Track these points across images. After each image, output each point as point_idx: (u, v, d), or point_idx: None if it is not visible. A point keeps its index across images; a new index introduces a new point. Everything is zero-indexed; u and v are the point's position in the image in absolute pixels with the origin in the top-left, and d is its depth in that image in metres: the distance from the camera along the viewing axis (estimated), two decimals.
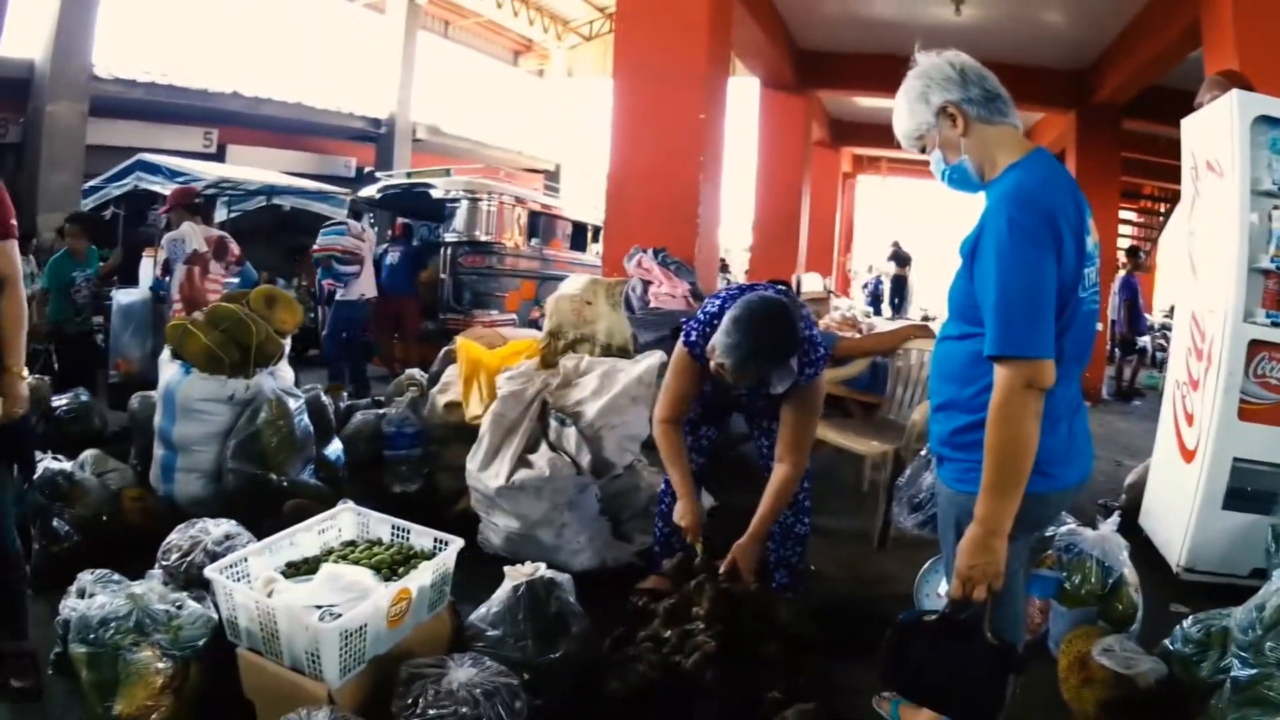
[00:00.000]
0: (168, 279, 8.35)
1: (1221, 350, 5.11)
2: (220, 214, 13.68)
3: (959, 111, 2.51)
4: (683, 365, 3.91)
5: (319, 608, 2.93)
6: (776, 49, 12.69)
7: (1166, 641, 3.75)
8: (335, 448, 5.66)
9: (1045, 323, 2.28)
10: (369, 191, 12.94)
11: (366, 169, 21.39)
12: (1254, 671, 3.20)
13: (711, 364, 3.57)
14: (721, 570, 3.75)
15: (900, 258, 26.09)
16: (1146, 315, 16.10)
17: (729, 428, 4.47)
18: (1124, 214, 18.55)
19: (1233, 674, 3.28)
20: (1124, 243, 17.06)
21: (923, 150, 2.67)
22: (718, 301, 3.85)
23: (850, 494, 6.60)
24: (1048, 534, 4.22)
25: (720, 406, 4.27)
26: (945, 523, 2.69)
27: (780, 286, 4.00)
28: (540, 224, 13.11)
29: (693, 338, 3.82)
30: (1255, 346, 5.08)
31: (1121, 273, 14.41)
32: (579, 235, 14.75)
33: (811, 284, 10.45)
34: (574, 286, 5.62)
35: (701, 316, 3.85)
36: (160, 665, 3.02)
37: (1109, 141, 14.01)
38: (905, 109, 2.63)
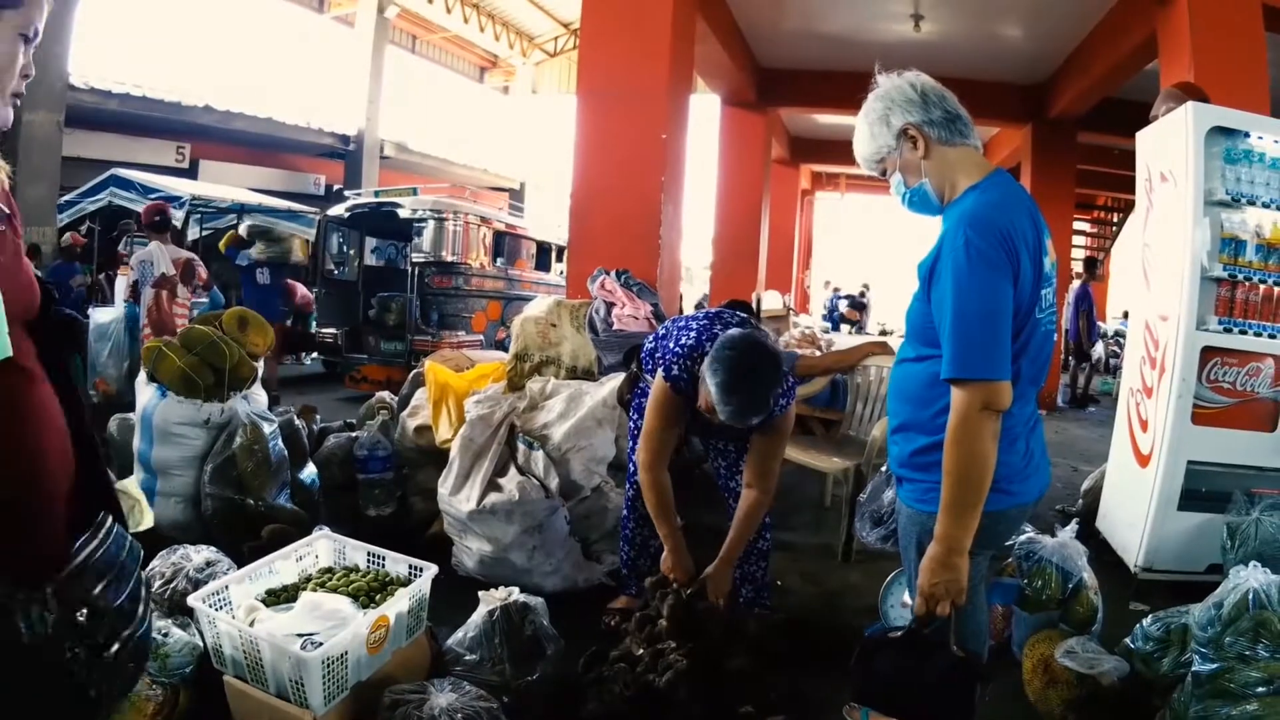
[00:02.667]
0: (136, 302, 8.31)
1: (1175, 357, 5.23)
2: (194, 231, 13.67)
3: (920, 134, 2.53)
4: (665, 400, 3.88)
5: (300, 636, 2.97)
6: (738, 67, 12.74)
7: (1128, 640, 3.86)
8: (310, 471, 5.67)
9: (1002, 346, 2.31)
10: (338, 210, 12.93)
11: (335, 186, 21.34)
12: (1215, 666, 3.31)
13: (700, 403, 3.62)
14: (690, 591, 3.78)
15: (857, 304, 26.33)
16: (1100, 323, 16.25)
17: (685, 448, 4.52)
18: (1079, 224, 18.74)
19: (1194, 669, 3.38)
20: (1080, 253, 17.27)
21: (883, 174, 2.67)
22: (692, 334, 3.88)
23: (813, 509, 6.73)
24: (1007, 543, 4.32)
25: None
26: (906, 540, 2.72)
27: (740, 309, 4.13)
28: (505, 244, 13.13)
29: (675, 372, 3.81)
30: (1208, 353, 5.21)
31: (1077, 283, 14.56)
32: (543, 255, 14.79)
33: (772, 302, 10.47)
34: (539, 309, 5.66)
35: (679, 350, 3.84)
36: (150, 692, 3.05)
37: (1065, 154, 14.16)
38: (866, 132, 2.63)
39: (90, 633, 1.75)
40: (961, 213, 2.42)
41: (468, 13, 25.17)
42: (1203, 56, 7.43)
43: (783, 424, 3.96)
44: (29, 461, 1.73)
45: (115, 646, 1.81)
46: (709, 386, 3.48)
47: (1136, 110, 6.33)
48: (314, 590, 3.47)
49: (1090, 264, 14.86)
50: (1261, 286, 5.32)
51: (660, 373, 3.91)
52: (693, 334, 3.87)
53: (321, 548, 3.83)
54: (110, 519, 1.87)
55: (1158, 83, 7.54)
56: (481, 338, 12.19)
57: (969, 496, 2.35)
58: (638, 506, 4.29)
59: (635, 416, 4.31)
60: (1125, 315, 15.27)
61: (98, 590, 1.78)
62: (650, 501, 3.98)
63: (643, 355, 4.35)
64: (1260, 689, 3.22)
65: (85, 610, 1.74)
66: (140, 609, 1.91)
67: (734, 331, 3.66)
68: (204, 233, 14.58)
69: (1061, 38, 11.72)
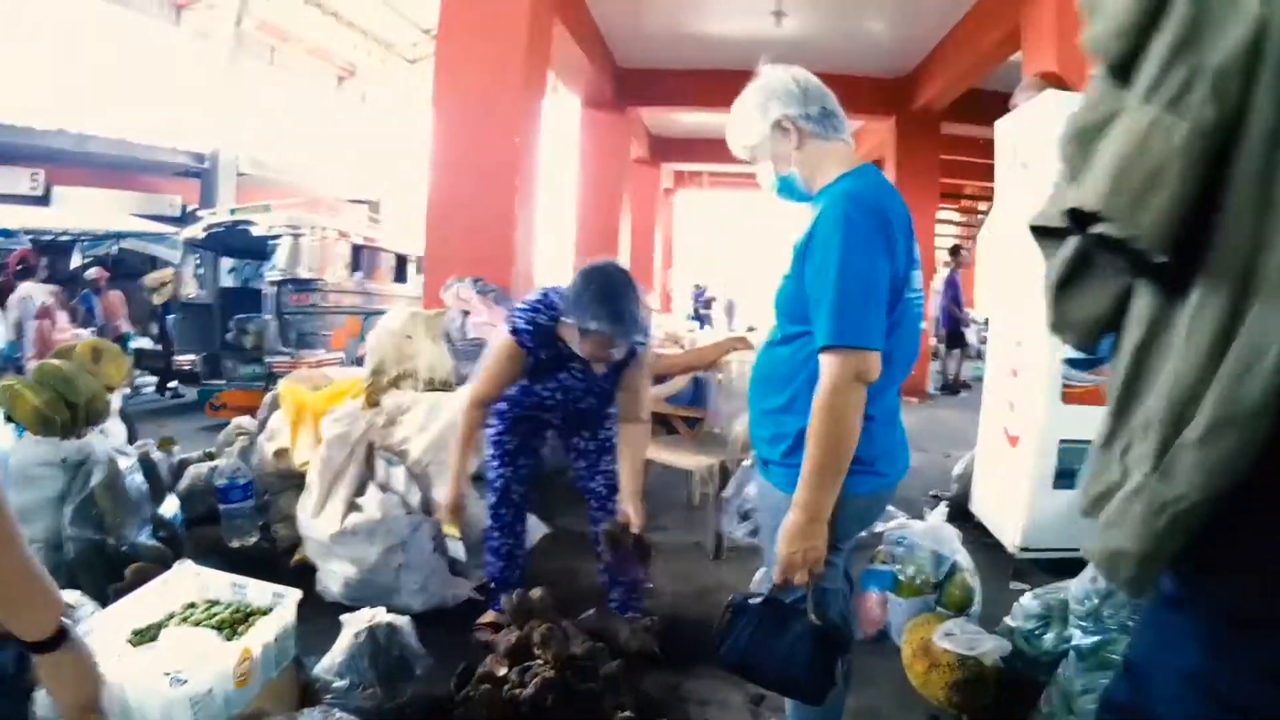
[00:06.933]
0: (21, 340, 8.17)
1: (1040, 337, 5.28)
2: (75, 259, 13.36)
3: (795, 126, 2.58)
4: (508, 353, 3.93)
5: (166, 675, 2.83)
6: (597, 67, 12.72)
7: (1008, 619, 3.91)
8: (171, 505, 5.48)
9: (877, 315, 2.34)
10: (192, 231, 12.52)
11: (191, 207, 20.84)
12: (1096, 639, 3.37)
13: (581, 343, 3.72)
14: (613, 527, 3.95)
15: (708, 302, 27.08)
16: (969, 310, 16.56)
17: (543, 458, 4.47)
18: (947, 214, 19.17)
19: (1075, 643, 3.43)
20: (948, 242, 17.59)
21: (754, 160, 2.71)
22: (534, 297, 3.97)
23: (682, 509, 6.71)
24: (877, 530, 4.36)
25: (537, 426, 4.31)
26: (772, 526, 2.61)
27: None
28: (363, 257, 12.91)
29: (521, 325, 3.88)
30: None
31: (945, 270, 14.83)
32: (402, 267, 14.57)
33: None
34: (394, 321, 5.57)
35: (525, 306, 3.95)
36: None
37: (929, 145, 14.43)
38: (743, 119, 2.68)
39: None
40: (840, 191, 2.47)
41: (326, 22, 24.80)
42: (1067, 46, 7.49)
43: (645, 360, 4.17)
44: None
45: None
46: (577, 313, 3.64)
47: (1000, 100, 6.38)
48: (178, 626, 3.31)
49: (955, 250, 15.12)
50: None
51: (503, 328, 4.00)
52: (535, 297, 3.95)
53: (184, 582, 3.64)
54: None
55: (1021, 73, 7.65)
56: (342, 355, 11.89)
57: (833, 466, 2.36)
58: (501, 515, 4.32)
59: (491, 423, 4.27)
60: (986, 322, 15.57)
61: None
62: (462, 426, 4.05)
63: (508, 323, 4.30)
64: None
65: None
66: None
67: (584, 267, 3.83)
68: (85, 259, 14.16)
69: (925, 31, 11.90)
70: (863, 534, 2.97)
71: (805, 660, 2.45)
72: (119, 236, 15.24)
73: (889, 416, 2.61)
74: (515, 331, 3.89)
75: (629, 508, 3.96)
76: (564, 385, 4.03)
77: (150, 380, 14.05)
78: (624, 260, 14.90)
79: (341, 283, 12.12)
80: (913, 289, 2.55)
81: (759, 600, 2.58)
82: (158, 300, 14.11)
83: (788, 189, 2.69)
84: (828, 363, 2.33)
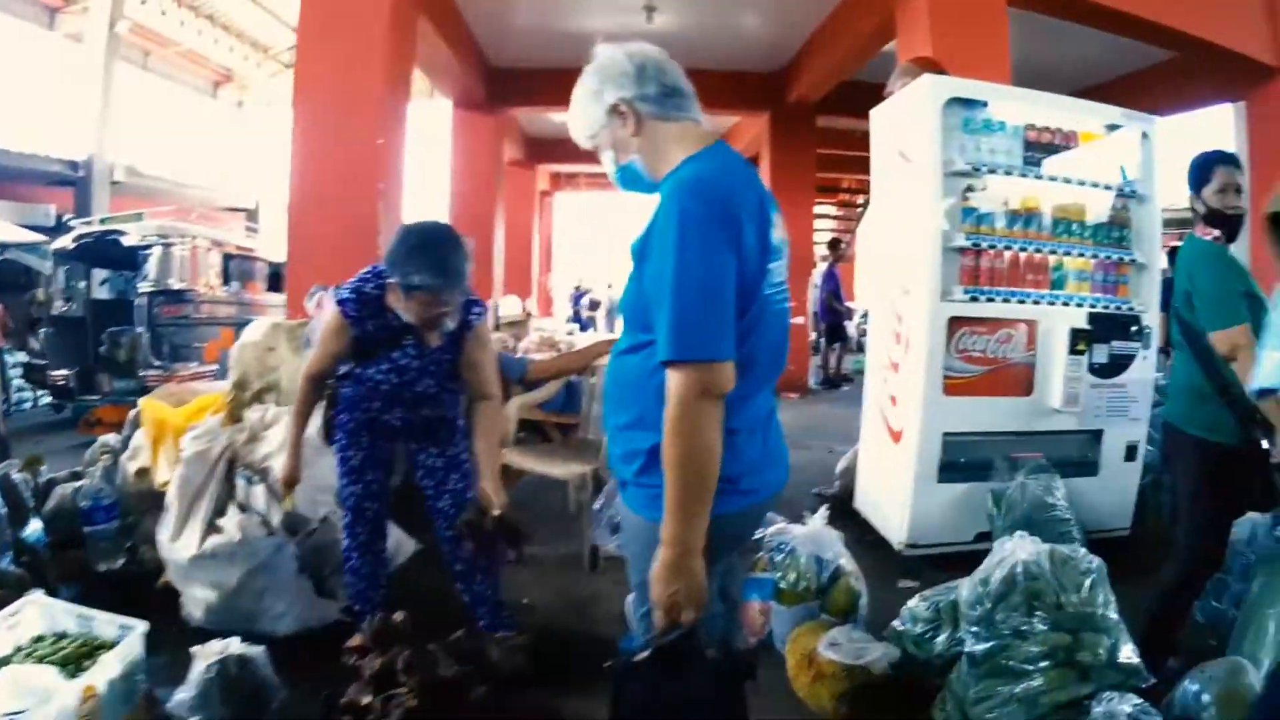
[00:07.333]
0: None
1: (922, 330, 5.29)
2: None
3: (631, 110, 2.38)
4: (334, 326, 3.90)
5: (6, 716, 2.72)
6: (467, 68, 12.63)
7: (895, 623, 3.88)
8: (35, 528, 5.23)
9: (723, 322, 2.11)
10: (63, 242, 12.12)
11: (65, 216, 20.27)
12: (990, 644, 3.31)
13: (407, 305, 3.72)
14: (471, 514, 3.92)
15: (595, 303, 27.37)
16: (849, 303, 16.71)
17: (392, 472, 4.34)
18: (826, 209, 19.53)
19: (967, 649, 3.38)
20: (827, 236, 17.62)
21: (597, 149, 2.52)
22: (360, 275, 3.98)
23: (557, 519, 6.50)
24: (756, 536, 4.25)
25: (380, 433, 4.16)
26: (637, 551, 2.43)
27: None
28: (237, 267, 12.67)
29: (346, 295, 3.88)
30: (955, 323, 5.31)
31: (824, 265, 14.94)
32: (276, 276, 14.07)
33: (510, 307, 10.37)
34: (255, 333, 5.45)
35: (351, 283, 3.94)
36: None
37: (803, 139, 14.46)
38: (580, 106, 2.49)
39: None
40: (677, 181, 2.23)
41: (201, 26, 24.37)
42: (941, 32, 7.61)
43: (485, 335, 4.18)
44: None
45: None
46: (398, 271, 3.65)
47: (876, 92, 6.38)
48: (23, 661, 3.17)
49: (834, 244, 15.23)
50: (1006, 253, 5.47)
51: (334, 302, 3.97)
52: (361, 273, 4.00)
53: (30, 614, 3.51)
54: None
55: (896, 63, 7.66)
56: (216, 368, 11.47)
57: (696, 492, 2.12)
58: (358, 534, 4.22)
59: (338, 441, 4.18)
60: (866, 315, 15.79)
61: None
62: (297, 400, 4.09)
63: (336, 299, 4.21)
64: (1043, 663, 3.23)
65: None
66: None
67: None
68: None
69: (799, 24, 11.92)
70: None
71: (713, 701, 2.31)
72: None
73: (756, 426, 2.39)
74: (340, 302, 3.87)
75: (487, 487, 3.91)
76: (398, 365, 3.94)
77: (29, 396, 13.65)
78: (499, 265, 14.91)
79: (214, 293, 11.87)
80: (772, 283, 2.31)
81: (644, 655, 2.42)
82: (36, 313, 13.78)
83: (629, 178, 2.49)
84: (672, 380, 2.10)
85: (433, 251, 3.63)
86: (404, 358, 3.93)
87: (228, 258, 12.38)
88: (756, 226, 2.23)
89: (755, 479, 2.38)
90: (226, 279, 12.32)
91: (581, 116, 2.49)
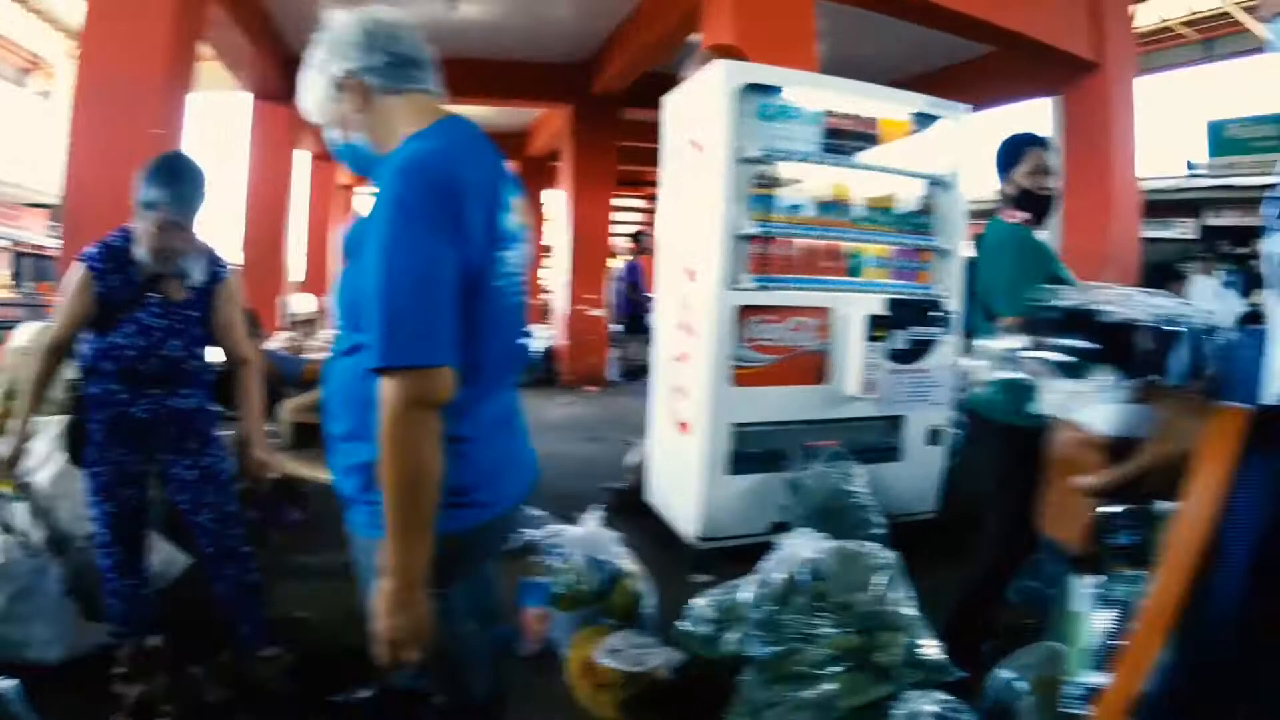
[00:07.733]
0: None
1: (709, 320, 5.26)
2: None
3: (356, 83, 2.16)
4: (79, 284, 3.69)
5: None
6: (265, 55, 12.20)
7: (678, 624, 3.77)
8: None
9: (438, 323, 1.90)
10: None
11: None
12: (776, 649, 3.23)
13: (145, 233, 3.70)
14: (248, 483, 4.01)
15: None
16: (650, 295, 16.84)
17: (147, 487, 4.08)
18: (632, 201, 19.61)
19: (753, 654, 3.30)
20: (634, 229, 17.59)
21: (329, 127, 2.28)
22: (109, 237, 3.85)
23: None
24: (528, 539, 4.19)
25: (129, 431, 3.88)
26: (366, 578, 2.18)
27: None
28: (30, 266, 12.13)
29: (91, 250, 3.77)
30: (744, 311, 5.27)
31: (628, 258, 14.97)
32: None
33: (303, 304, 10.09)
34: (24, 338, 5.26)
35: (97, 244, 3.83)
36: None
37: (607, 131, 14.45)
38: (308, 80, 2.25)
39: None
40: (394, 165, 1.98)
41: (10, 9, 23.19)
42: (746, 22, 7.51)
43: (235, 293, 4.09)
44: None
45: None
46: (138, 198, 3.70)
47: (680, 83, 6.30)
48: None
49: (637, 237, 15.24)
50: (796, 241, 5.45)
51: (81, 262, 3.79)
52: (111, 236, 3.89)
53: None
54: None
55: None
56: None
57: (416, 515, 1.93)
58: (114, 554, 3.95)
59: (86, 455, 3.91)
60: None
61: None
62: (33, 377, 3.81)
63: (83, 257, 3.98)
64: (834, 667, 3.17)
65: None
66: None
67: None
68: None
69: (606, 13, 11.82)
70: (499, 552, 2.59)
71: None
72: None
73: (492, 432, 2.20)
74: (85, 258, 3.73)
75: (260, 454, 3.95)
76: (144, 326, 3.75)
77: None
78: (299, 259, 14.52)
79: (3, 293, 11.36)
80: (505, 273, 2.12)
81: (368, 696, 2.20)
82: None
83: (357, 160, 2.25)
84: (383, 390, 1.90)
85: (166, 171, 3.69)
86: (148, 318, 3.75)
87: (20, 256, 11.87)
88: (485, 211, 2.03)
89: (493, 490, 2.20)
90: (17, 278, 11.80)
91: (310, 93, 2.26)
